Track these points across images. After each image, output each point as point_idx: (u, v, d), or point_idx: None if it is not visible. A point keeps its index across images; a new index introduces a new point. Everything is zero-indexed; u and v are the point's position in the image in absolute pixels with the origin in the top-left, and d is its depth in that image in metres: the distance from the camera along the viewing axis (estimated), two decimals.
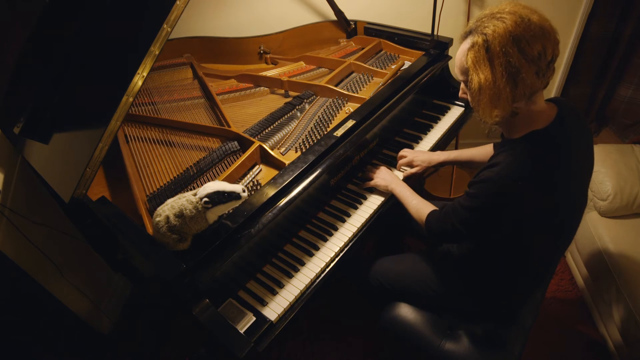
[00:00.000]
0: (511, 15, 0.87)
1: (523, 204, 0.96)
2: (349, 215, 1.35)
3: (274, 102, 1.61)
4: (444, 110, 1.77)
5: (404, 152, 1.51)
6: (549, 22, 0.90)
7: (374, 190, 1.44)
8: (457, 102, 1.80)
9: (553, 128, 0.97)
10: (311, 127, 1.46)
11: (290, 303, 1.12)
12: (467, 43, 0.93)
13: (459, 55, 0.97)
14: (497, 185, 0.95)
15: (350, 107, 1.54)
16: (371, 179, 1.42)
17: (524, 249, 1.08)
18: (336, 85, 1.65)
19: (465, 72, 0.95)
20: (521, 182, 0.93)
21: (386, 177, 1.40)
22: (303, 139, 1.41)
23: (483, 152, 1.44)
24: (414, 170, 1.47)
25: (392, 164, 1.54)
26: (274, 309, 1.10)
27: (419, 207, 1.25)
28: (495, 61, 0.87)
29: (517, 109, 0.94)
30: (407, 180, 1.47)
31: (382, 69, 1.75)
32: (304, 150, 1.37)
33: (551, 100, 1.03)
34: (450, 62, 1.76)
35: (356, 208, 1.38)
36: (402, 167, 1.51)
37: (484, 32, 0.88)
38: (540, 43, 0.87)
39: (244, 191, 1.04)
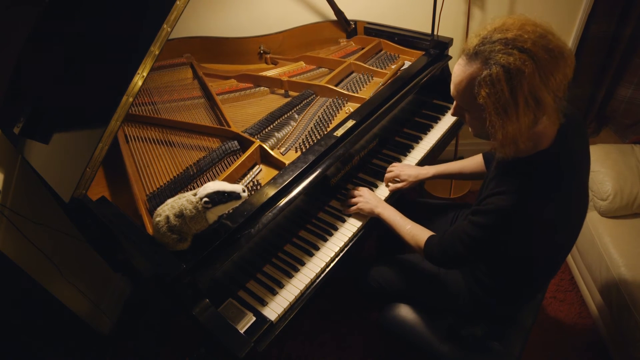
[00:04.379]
0: (535, 46, 0.78)
1: (533, 228, 0.93)
2: (349, 215, 1.35)
3: (274, 102, 1.61)
4: (443, 110, 1.77)
5: (392, 166, 1.47)
6: (563, 41, 0.82)
7: (374, 189, 1.44)
8: None
9: (558, 146, 0.92)
10: (311, 127, 1.46)
11: (290, 303, 1.12)
12: (474, 69, 0.83)
13: (462, 80, 0.86)
14: (507, 215, 0.91)
15: (350, 107, 1.54)
16: (353, 203, 1.34)
17: (527, 260, 1.06)
18: (336, 85, 1.65)
19: (472, 103, 0.86)
20: (532, 211, 0.90)
21: (370, 200, 1.32)
22: (303, 139, 1.41)
23: (472, 163, 1.41)
24: (400, 185, 1.42)
25: (392, 164, 1.53)
26: (274, 309, 1.10)
27: (414, 232, 1.20)
28: (520, 99, 0.79)
29: (532, 135, 0.89)
30: (394, 193, 1.44)
31: (382, 69, 1.75)
32: (304, 150, 1.37)
33: None
34: (450, 62, 1.76)
35: None
36: (388, 182, 1.45)
37: (506, 66, 0.78)
38: (562, 72, 0.80)
39: (244, 191, 1.04)
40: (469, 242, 1.01)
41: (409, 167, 1.45)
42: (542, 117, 0.85)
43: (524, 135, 0.84)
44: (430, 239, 1.15)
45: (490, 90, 0.81)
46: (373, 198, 1.33)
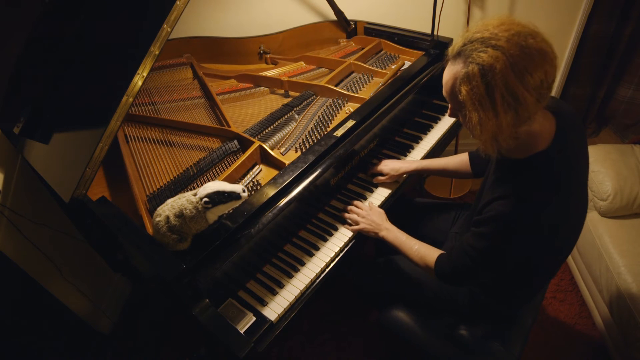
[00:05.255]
0: (508, 43, 0.79)
1: (535, 231, 0.92)
2: None
3: (274, 102, 1.61)
4: (443, 111, 1.77)
5: (377, 161, 1.48)
6: (545, 41, 0.83)
7: (374, 189, 1.45)
8: None
9: (556, 147, 0.92)
10: (311, 127, 1.46)
11: (290, 303, 1.12)
12: (457, 69, 0.85)
13: (448, 80, 0.89)
14: (509, 220, 0.91)
15: (350, 107, 1.54)
16: (354, 221, 1.30)
17: (528, 262, 1.05)
18: (336, 85, 1.65)
19: (458, 102, 0.88)
20: (533, 213, 0.89)
21: (374, 221, 1.27)
22: (303, 139, 1.41)
23: (456, 160, 1.40)
24: (382, 178, 1.44)
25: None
26: (274, 309, 1.10)
27: (422, 253, 1.17)
28: (497, 96, 0.80)
29: (517, 134, 0.88)
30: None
31: (382, 69, 1.75)
32: (304, 150, 1.37)
33: (546, 107, 0.96)
34: None
35: None
36: (370, 173, 1.47)
37: (480, 63, 0.80)
38: (541, 70, 0.80)
39: (244, 191, 1.04)
40: (476, 255, 0.99)
41: (392, 161, 1.46)
42: (526, 116, 0.84)
43: (505, 132, 0.84)
44: (440, 257, 1.12)
45: (468, 87, 0.83)
46: (376, 218, 1.28)
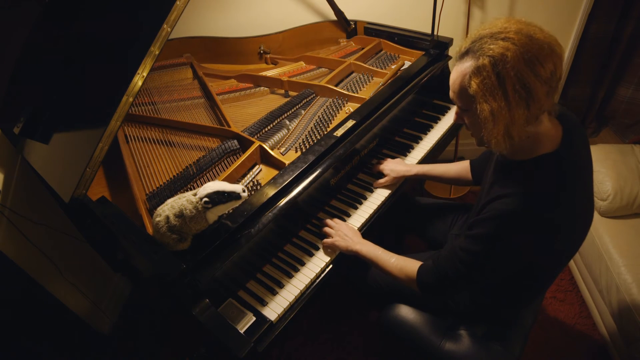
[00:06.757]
0: (518, 34, 0.80)
1: (537, 233, 0.90)
2: (349, 215, 1.35)
3: (274, 102, 1.61)
4: (443, 111, 1.77)
5: (384, 161, 1.48)
6: (554, 37, 0.83)
7: (374, 189, 1.45)
8: None
9: (563, 151, 0.90)
10: (311, 127, 1.46)
11: (290, 303, 1.12)
12: (466, 66, 0.85)
13: (456, 79, 0.88)
14: (513, 219, 0.88)
15: (350, 107, 1.54)
16: (328, 234, 1.25)
17: (529, 267, 1.03)
18: (336, 85, 1.65)
19: (467, 99, 0.87)
20: (537, 214, 0.87)
21: (347, 235, 1.22)
22: (303, 139, 1.41)
23: (457, 167, 1.39)
24: (382, 180, 1.42)
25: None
26: (274, 309, 1.10)
27: (401, 264, 1.13)
28: (509, 86, 0.80)
29: (527, 132, 0.86)
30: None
31: (382, 69, 1.75)
32: (304, 150, 1.37)
33: (552, 113, 0.95)
34: (450, 62, 1.76)
35: (356, 208, 1.38)
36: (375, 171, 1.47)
37: (491, 55, 0.80)
38: (551, 62, 0.81)
39: (244, 191, 1.04)
40: (470, 260, 0.96)
41: (394, 163, 1.45)
42: (538, 112, 0.84)
43: (517, 125, 0.83)
44: (422, 267, 1.08)
45: (479, 79, 0.82)
46: (349, 233, 1.23)
